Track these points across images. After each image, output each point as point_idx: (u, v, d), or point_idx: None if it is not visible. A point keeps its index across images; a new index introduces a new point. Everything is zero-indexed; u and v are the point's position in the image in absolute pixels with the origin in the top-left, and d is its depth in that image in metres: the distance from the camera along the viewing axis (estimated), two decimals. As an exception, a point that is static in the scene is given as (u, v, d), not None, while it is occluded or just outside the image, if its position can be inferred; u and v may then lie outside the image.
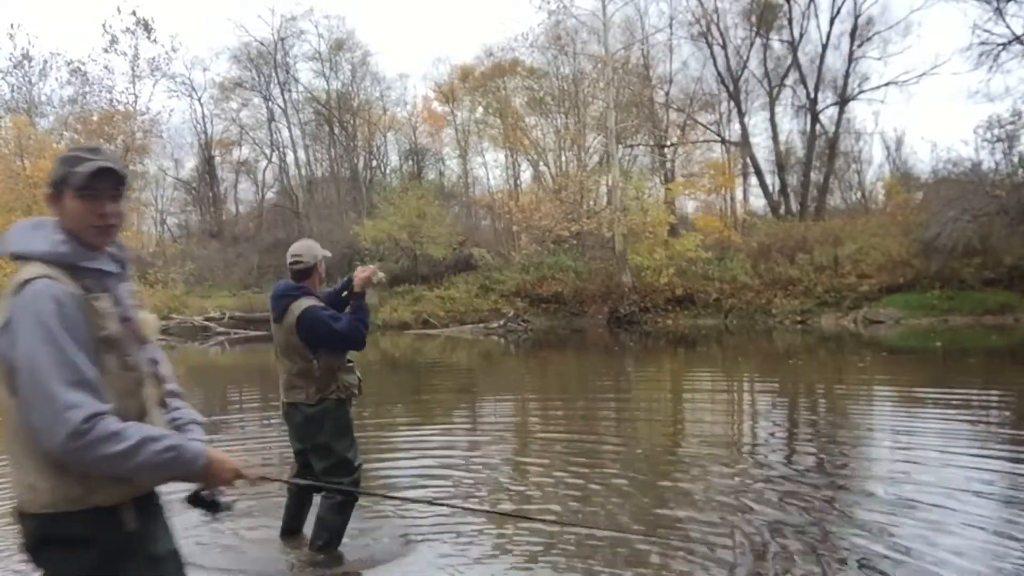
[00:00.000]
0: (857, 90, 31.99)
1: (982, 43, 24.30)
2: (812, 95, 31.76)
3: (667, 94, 35.14)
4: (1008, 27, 24.01)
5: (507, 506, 5.03)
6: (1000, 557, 3.76)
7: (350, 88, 41.85)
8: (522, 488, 5.50)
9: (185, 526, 4.62)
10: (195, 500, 1.93)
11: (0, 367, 1.65)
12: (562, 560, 3.92)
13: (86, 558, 1.69)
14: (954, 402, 8.67)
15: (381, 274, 4.03)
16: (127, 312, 1.83)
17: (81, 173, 1.75)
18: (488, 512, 4.74)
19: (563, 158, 36.98)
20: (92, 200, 1.76)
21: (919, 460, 5.81)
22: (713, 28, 32.64)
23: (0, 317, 1.66)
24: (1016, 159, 24.09)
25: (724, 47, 32.63)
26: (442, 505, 4.65)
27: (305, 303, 3.86)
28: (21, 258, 1.73)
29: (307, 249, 3.98)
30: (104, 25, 36.78)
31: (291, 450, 4.28)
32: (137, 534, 1.76)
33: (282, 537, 4.28)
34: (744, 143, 33.48)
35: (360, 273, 3.97)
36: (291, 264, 3.97)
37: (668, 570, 3.73)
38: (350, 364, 4.02)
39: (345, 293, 4.07)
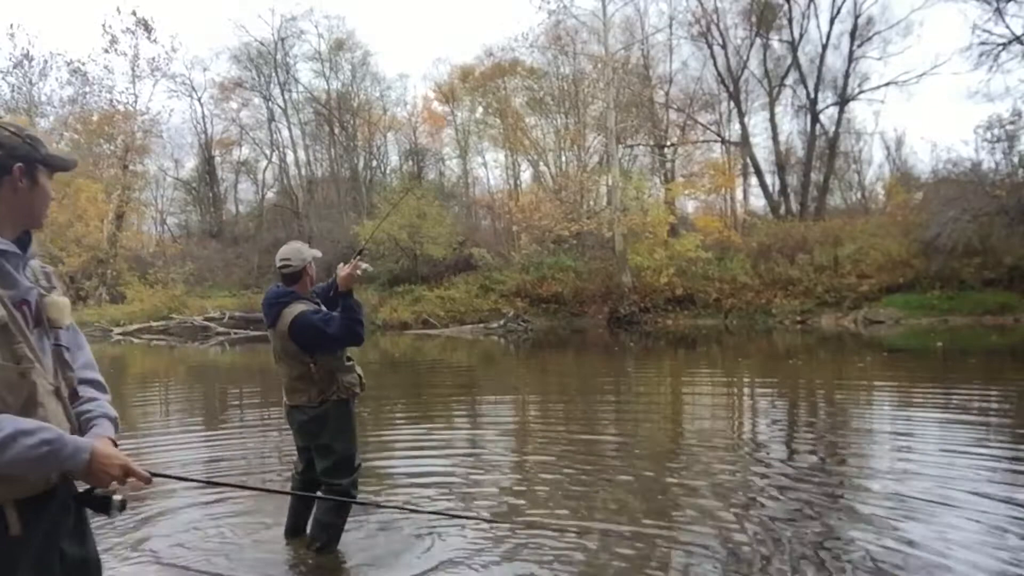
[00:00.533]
0: (857, 90, 32.08)
1: (982, 43, 24.35)
2: (812, 95, 31.78)
3: (667, 94, 35.17)
4: (1008, 27, 24.07)
5: (507, 505, 5.02)
6: (1003, 549, 3.79)
7: (350, 88, 41.91)
8: (522, 488, 5.49)
9: (183, 527, 4.63)
10: (85, 499, 1.77)
11: None
12: (563, 559, 3.92)
13: None
14: (955, 401, 8.67)
15: (364, 265, 3.89)
16: (25, 295, 1.69)
17: (67, 160, 1.76)
18: (483, 520, 4.74)
19: (563, 158, 37.03)
20: (50, 182, 1.77)
21: (920, 458, 5.80)
22: (713, 28, 32.70)
23: None
24: (1016, 159, 24.11)
25: (724, 47, 32.66)
26: (428, 513, 4.61)
27: (296, 309, 3.84)
28: None
29: (295, 252, 3.94)
30: (104, 25, 36.93)
31: (290, 450, 4.28)
32: (24, 540, 1.60)
33: (287, 536, 4.27)
34: (744, 143, 33.50)
35: (342, 271, 3.86)
36: (280, 268, 3.94)
37: (672, 567, 3.73)
38: (349, 363, 4.00)
39: (332, 293, 4.05)
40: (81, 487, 1.79)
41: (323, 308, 3.97)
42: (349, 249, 28.85)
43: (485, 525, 4.52)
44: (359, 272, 3.83)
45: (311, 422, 3.95)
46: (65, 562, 1.70)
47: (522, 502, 5.09)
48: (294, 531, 4.25)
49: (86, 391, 1.85)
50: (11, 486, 1.58)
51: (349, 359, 4.01)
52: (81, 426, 1.79)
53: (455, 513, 4.79)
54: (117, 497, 1.76)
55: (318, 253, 4.07)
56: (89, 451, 1.65)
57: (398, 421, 8.81)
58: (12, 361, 1.61)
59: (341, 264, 3.96)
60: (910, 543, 3.95)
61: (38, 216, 1.76)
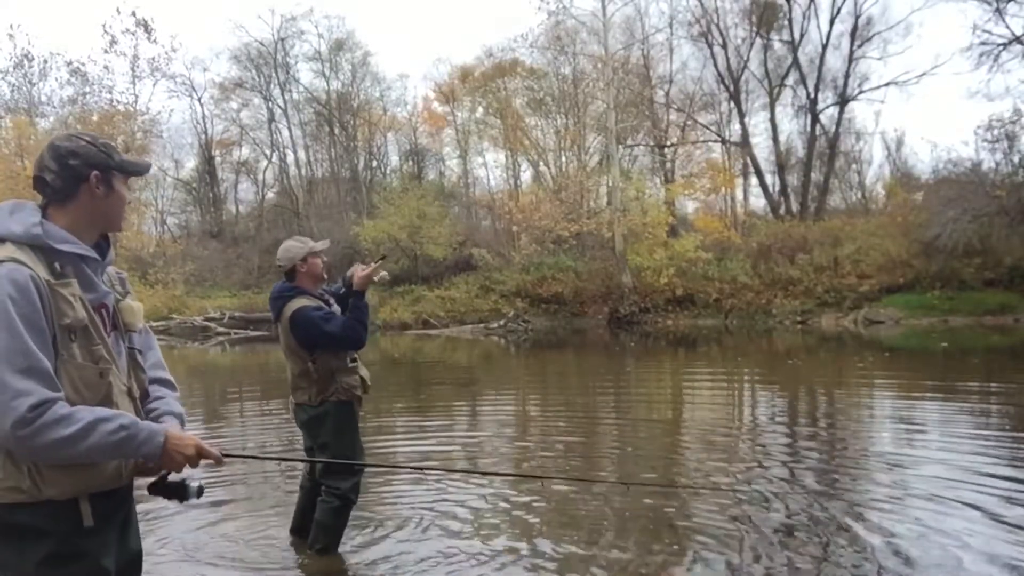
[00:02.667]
0: (857, 90, 32.05)
1: (982, 43, 24.34)
2: (812, 95, 31.77)
3: (667, 94, 35.14)
4: (1008, 27, 24.05)
5: (507, 503, 5.02)
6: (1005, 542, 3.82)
7: (350, 88, 41.88)
8: (523, 487, 5.48)
9: (185, 527, 4.63)
10: (161, 487, 1.85)
11: None
12: (564, 557, 3.91)
13: (37, 551, 1.62)
14: (955, 399, 8.66)
15: (384, 272, 4.01)
16: (103, 299, 1.78)
17: (138, 164, 1.89)
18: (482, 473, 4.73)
19: (563, 158, 37.01)
20: (127, 187, 1.87)
21: (921, 456, 5.80)
22: (713, 28, 32.68)
23: None
24: (1016, 159, 24.10)
25: (724, 47, 32.64)
26: (438, 471, 4.60)
27: (297, 303, 3.86)
28: None
29: (284, 251, 3.99)
30: (104, 26, 36.79)
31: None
32: (95, 531, 1.70)
33: (292, 534, 4.26)
34: (744, 143, 33.48)
35: (360, 272, 3.92)
36: (278, 267, 4.02)
37: (674, 553, 3.73)
38: (353, 365, 3.98)
39: (343, 291, 4.07)
40: (142, 482, 1.85)
41: (329, 307, 3.97)
42: (349, 249, 28.91)
43: (485, 524, 4.52)
44: (376, 278, 3.92)
45: (311, 421, 3.95)
46: (121, 554, 1.79)
47: (519, 501, 5.09)
48: (299, 532, 4.24)
49: (156, 390, 1.95)
50: (87, 480, 1.68)
51: (354, 360, 3.99)
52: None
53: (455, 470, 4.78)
54: (194, 483, 1.85)
55: (318, 245, 4.02)
56: (163, 434, 1.74)
57: (397, 417, 8.81)
58: (91, 361, 1.71)
59: (360, 265, 4.05)
60: (920, 533, 3.95)
61: (115, 220, 1.86)
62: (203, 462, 1.82)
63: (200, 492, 1.87)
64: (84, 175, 1.76)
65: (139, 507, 5.03)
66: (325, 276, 4.07)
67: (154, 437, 1.72)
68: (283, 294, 3.95)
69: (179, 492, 1.85)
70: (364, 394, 4.07)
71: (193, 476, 1.85)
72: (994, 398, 9.17)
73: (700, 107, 35.77)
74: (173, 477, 1.83)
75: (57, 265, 1.70)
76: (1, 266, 1.61)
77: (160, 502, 5.20)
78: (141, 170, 1.94)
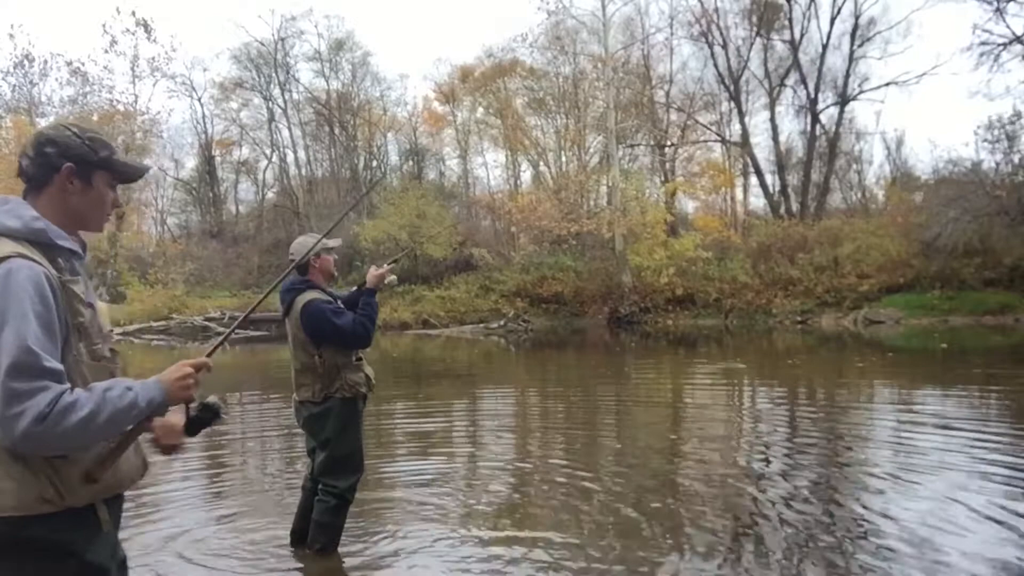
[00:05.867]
0: (857, 90, 32.08)
1: (982, 43, 24.34)
2: (812, 95, 31.78)
3: (667, 94, 35.16)
4: (1008, 27, 24.06)
5: (507, 503, 5.02)
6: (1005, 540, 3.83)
7: (350, 88, 41.90)
8: (523, 486, 5.49)
9: (184, 527, 4.63)
10: (195, 422, 1.81)
11: None
12: (565, 556, 3.92)
13: (65, 570, 1.57)
14: (956, 398, 8.66)
15: (393, 276, 4.07)
16: (90, 298, 1.70)
17: (130, 167, 1.77)
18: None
19: (563, 158, 37.01)
20: (115, 190, 1.75)
21: (921, 456, 5.80)
22: (713, 28, 32.69)
23: None
24: (1016, 159, 24.11)
25: (724, 47, 32.65)
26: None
27: (308, 296, 3.88)
28: None
29: (298, 245, 4.01)
30: (104, 26, 36.76)
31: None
32: (109, 534, 1.68)
33: (292, 537, 4.23)
34: (744, 143, 33.49)
35: (375, 271, 4.01)
36: (290, 261, 4.02)
37: (676, 550, 3.74)
38: (358, 362, 3.98)
39: (357, 288, 4.11)
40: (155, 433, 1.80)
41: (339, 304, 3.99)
42: (350, 250, 28.90)
43: (485, 523, 4.52)
44: (386, 280, 3.98)
45: (315, 418, 3.94)
46: (116, 557, 1.76)
47: (522, 500, 5.09)
48: (300, 533, 4.22)
49: None
50: (103, 486, 1.63)
51: (359, 358, 4.00)
52: None
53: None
54: (211, 399, 1.81)
55: (332, 243, 4.08)
56: (156, 376, 1.67)
57: (396, 419, 8.81)
58: (95, 360, 1.66)
59: (374, 266, 4.12)
60: (920, 538, 3.95)
61: (90, 220, 1.73)
62: (200, 374, 1.73)
63: (224, 403, 1.85)
64: (57, 165, 1.66)
65: (137, 508, 5.02)
66: (335, 274, 4.12)
67: (152, 384, 1.63)
68: (295, 286, 3.96)
69: (211, 412, 1.82)
70: (369, 392, 4.07)
71: (204, 395, 1.80)
72: (993, 396, 9.17)
73: (700, 107, 35.81)
74: (193, 408, 1.79)
75: (60, 261, 1.64)
76: (12, 261, 1.52)
77: (161, 504, 5.20)
78: (131, 174, 1.81)
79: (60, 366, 1.52)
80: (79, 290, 1.63)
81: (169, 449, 1.84)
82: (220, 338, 1.97)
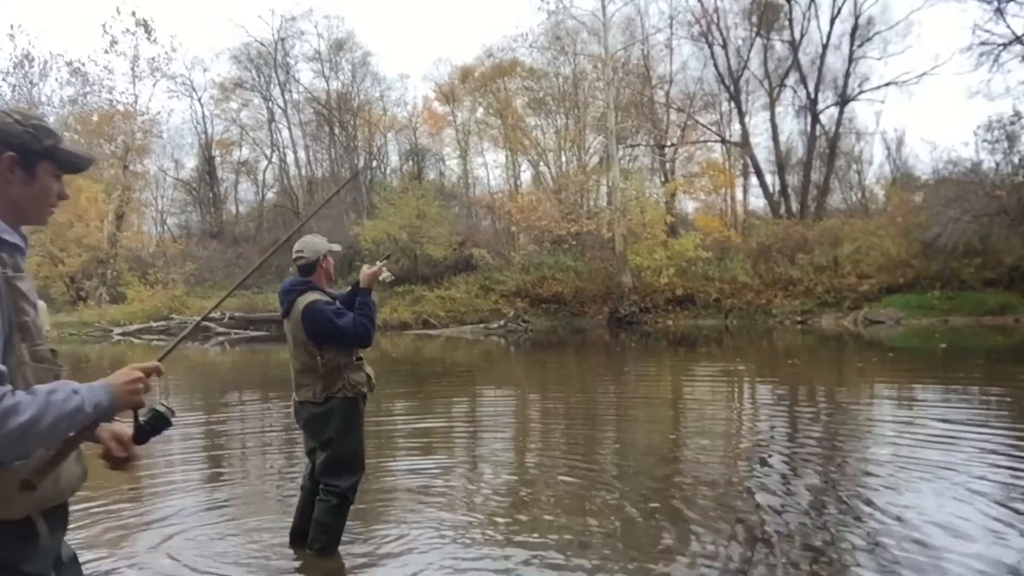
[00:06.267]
0: (857, 90, 32.10)
1: (982, 43, 24.33)
2: (812, 95, 31.79)
3: (667, 94, 35.17)
4: (1008, 27, 24.05)
5: (507, 503, 5.02)
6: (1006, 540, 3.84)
7: (350, 88, 41.94)
8: (522, 487, 5.48)
9: (182, 527, 4.63)
10: (144, 429, 1.69)
11: None
12: (566, 555, 3.91)
13: None
14: (956, 398, 8.65)
15: (387, 273, 4.05)
16: (34, 297, 1.60)
17: (75, 156, 1.67)
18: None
19: (563, 158, 37.01)
20: (59, 181, 1.65)
21: (921, 456, 5.80)
22: (713, 28, 32.70)
23: None
24: (1016, 159, 24.11)
25: (724, 47, 32.65)
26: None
27: (310, 297, 3.87)
28: None
29: (308, 245, 3.99)
30: (104, 26, 36.72)
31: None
32: (50, 549, 1.56)
33: (291, 537, 4.23)
34: (744, 143, 33.49)
35: (367, 270, 3.98)
36: (295, 260, 4.01)
37: (678, 549, 3.73)
38: (359, 362, 3.99)
39: (351, 288, 4.09)
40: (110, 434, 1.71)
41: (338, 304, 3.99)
42: (350, 250, 28.88)
43: (486, 524, 4.51)
44: (381, 278, 3.96)
45: (316, 419, 3.94)
46: (60, 563, 1.67)
47: (521, 500, 5.08)
48: (299, 532, 4.21)
49: None
50: (48, 492, 1.53)
51: (359, 358, 4.00)
52: None
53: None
54: (160, 407, 1.70)
55: (336, 247, 4.09)
56: (104, 380, 1.58)
57: (396, 419, 8.80)
58: (38, 362, 1.56)
59: (366, 265, 4.08)
60: (916, 540, 3.95)
61: (32, 213, 1.63)
62: (151, 379, 1.64)
63: (172, 410, 1.73)
64: None
65: (136, 508, 5.01)
66: (333, 278, 4.14)
67: (99, 387, 1.54)
68: (295, 287, 3.96)
69: (160, 420, 1.69)
70: (370, 392, 4.07)
71: (154, 402, 1.71)
72: (993, 395, 9.16)
73: (700, 107, 35.83)
74: (142, 414, 1.68)
75: (4, 256, 1.52)
76: None
77: (160, 504, 5.19)
78: (77, 165, 1.70)
79: (3, 367, 1.43)
80: (24, 287, 1.52)
81: (120, 463, 1.73)
82: (173, 342, 1.88)
